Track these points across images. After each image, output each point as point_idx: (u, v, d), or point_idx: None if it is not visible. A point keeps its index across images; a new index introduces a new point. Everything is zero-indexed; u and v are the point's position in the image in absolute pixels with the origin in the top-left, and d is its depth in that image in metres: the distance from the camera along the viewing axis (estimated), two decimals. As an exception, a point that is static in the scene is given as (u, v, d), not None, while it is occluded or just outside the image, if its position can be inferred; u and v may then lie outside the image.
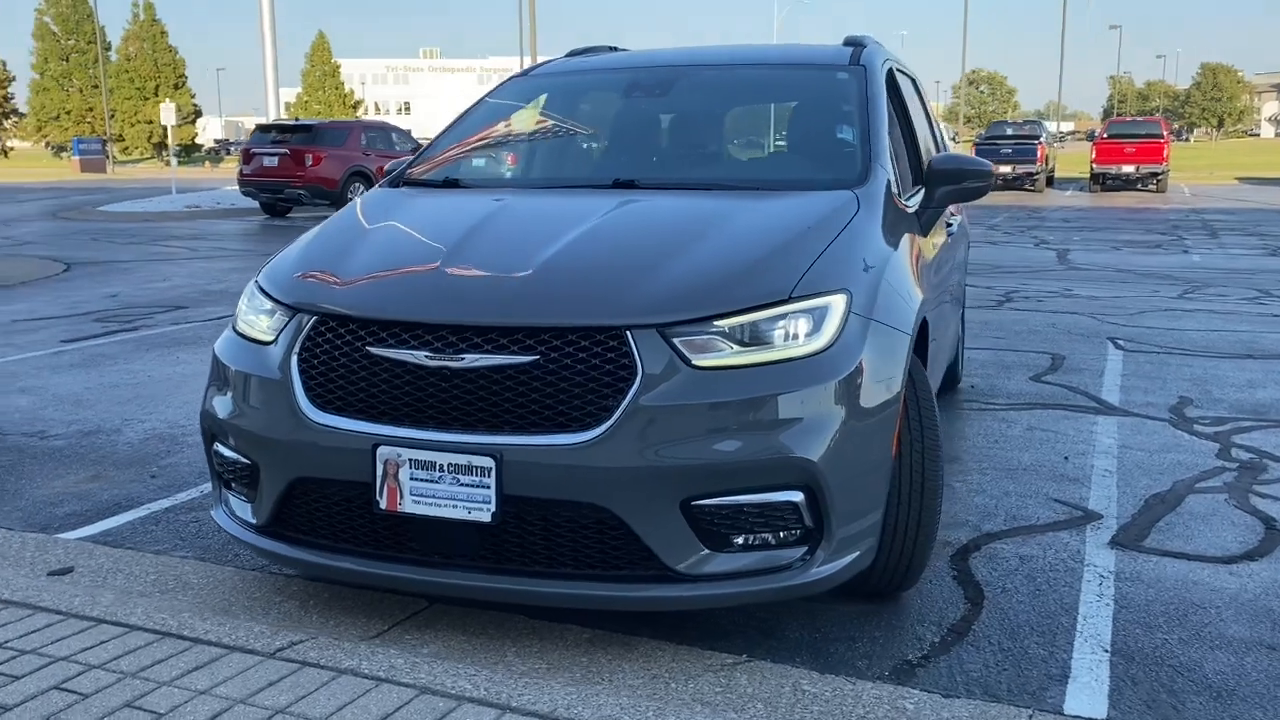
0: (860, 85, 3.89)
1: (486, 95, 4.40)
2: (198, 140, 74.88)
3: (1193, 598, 3.21)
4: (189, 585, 3.21)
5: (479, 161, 4.03)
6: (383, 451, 2.67)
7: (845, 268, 2.91)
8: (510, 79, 4.52)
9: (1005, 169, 28.82)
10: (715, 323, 2.65)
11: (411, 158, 4.04)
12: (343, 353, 2.79)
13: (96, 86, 65.35)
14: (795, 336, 2.69)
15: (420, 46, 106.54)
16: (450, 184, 3.78)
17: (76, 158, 50.44)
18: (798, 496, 2.64)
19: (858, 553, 2.79)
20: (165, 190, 27.91)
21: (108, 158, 52.99)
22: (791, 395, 2.63)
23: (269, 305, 3.01)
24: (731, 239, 2.97)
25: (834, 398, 2.67)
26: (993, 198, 26.92)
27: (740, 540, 2.66)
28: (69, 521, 3.89)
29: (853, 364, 2.72)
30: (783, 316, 2.70)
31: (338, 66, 78.81)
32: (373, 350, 2.74)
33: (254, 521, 2.97)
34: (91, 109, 67.70)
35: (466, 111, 4.34)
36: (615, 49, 4.97)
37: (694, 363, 2.61)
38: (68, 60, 68.58)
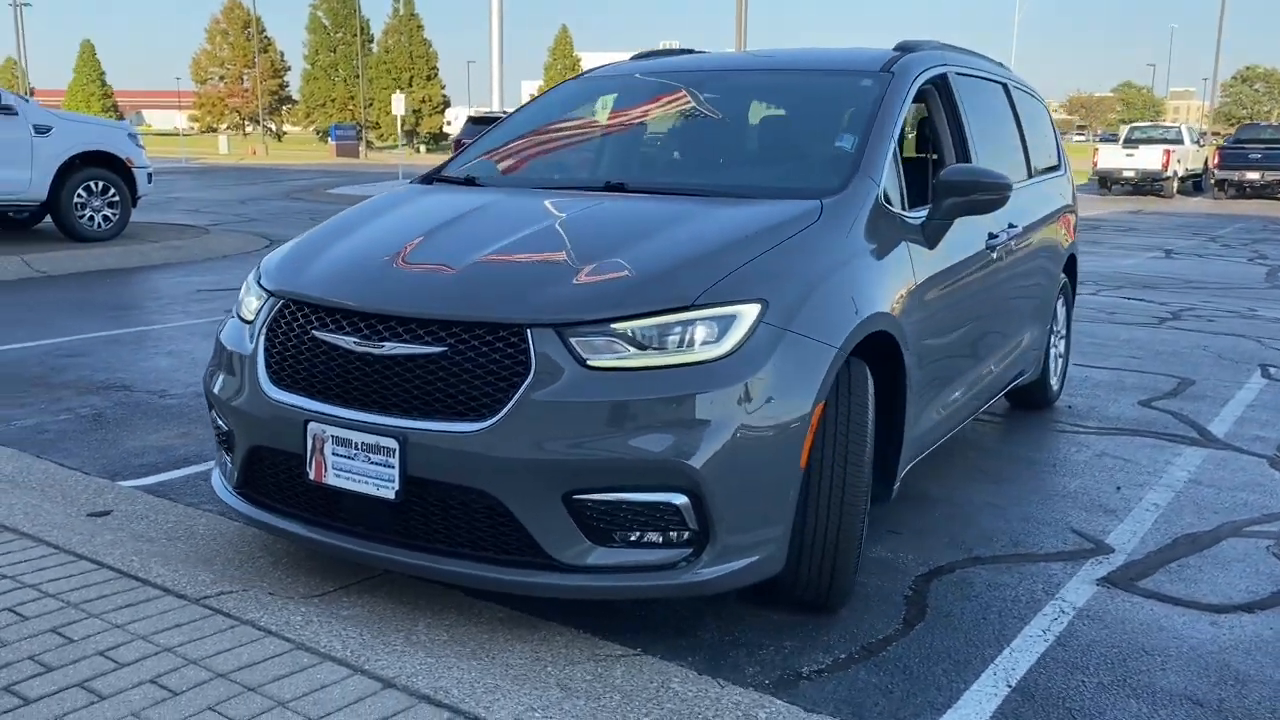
0: (879, 93, 3.84)
1: (539, 95, 4.60)
2: (445, 129, 79.21)
3: (1147, 643, 3.02)
4: (194, 534, 3.57)
5: (503, 161, 4.22)
6: (312, 427, 2.92)
7: (770, 277, 2.92)
8: (567, 81, 4.70)
9: (1253, 175, 26.60)
10: (612, 325, 2.73)
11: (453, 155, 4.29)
12: (295, 334, 3.06)
13: (359, 76, 70.32)
14: (691, 343, 2.74)
15: (661, 40, 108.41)
16: (468, 182, 4.00)
17: (333, 143, 54.57)
18: (680, 499, 2.69)
19: (754, 558, 2.81)
20: (395, 176, 29.80)
21: (361, 143, 56.97)
22: (679, 400, 2.68)
23: (257, 289, 3.32)
24: (664, 244, 3.03)
25: (725, 405, 2.70)
26: (1235, 206, 24.94)
27: (623, 536, 2.74)
28: (138, 470, 4.38)
29: (752, 374, 2.74)
30: (682, 323, 2.75)
31: (578, 60, 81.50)
32: (316, 333, 2.99)
33: (230, 483, 3.30)
34: (353, 97, 72.96)
35: (516, 111, 4.56)
36: (690, 51, 5.06)
37: (589, 363, 2.71)
38: (335, 51, 74.22)
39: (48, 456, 4.51)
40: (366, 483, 2.84)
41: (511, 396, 2.70)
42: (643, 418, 2.68)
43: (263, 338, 3.15)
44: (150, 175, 11.96)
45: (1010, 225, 4.54)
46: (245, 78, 77.57)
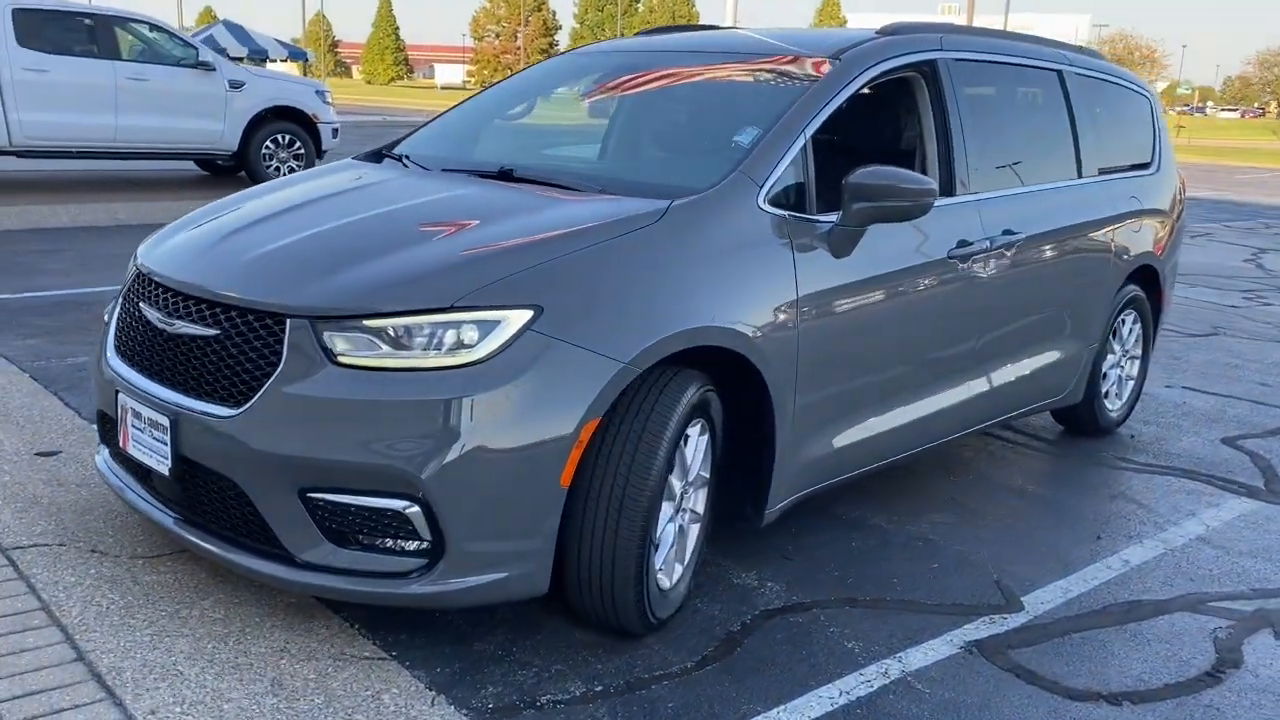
0: (805, 85, 3.51)
1: (518, 73, 4.51)
2: (705, 89, 79.66)
3: (948, 724, 2.66)
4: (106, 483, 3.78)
5: (442, 138, 4.16)
6: (120, 397, 3.02)
7: (557, 282, 2.74)
8: (553, 58, 4.59)
9: None
10: (365, 322, 2.65)
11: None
12: (130, 304, 3.16)
13: (623, 35, 71.79)
14: (440, 346, 2.62)
15: (941, 5, 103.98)
16: (401, 159, 3.97)
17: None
18: (410, 507, 2.60)
19: (501, 575, 2.68)
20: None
21: (616, 102, 58.32)
22: (416, 405, 2.57)
23: (133, 260, 3.45)
24: (467, 239, 2.91)
25: (467, 415, 2.57)
26: None
27: (358, 539, 2.68)
28: (125, 416, 4.68)
29: (504, 384, 2.59)
30: (436, 325, 2.63)
31: (844, 22, 79.63)
32: (140, 305, 3.08)
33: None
34: (616, 56, 74.62)
35: (491, 85, 4.50)
36: (714, 28, 4.81)
37: (339, 359, 2.64)
38: (602, 10, 75.98)
39: (63, 394, 4.89)
40: (150, 456, 2.91)
41: (263, 386, 2.68)
42: (379, 421, 2.59)
43: (118, 308, 3.28)
44: (335, 130, 12.69)
45: (1007, 231, 4.05)
46: (519, 35, 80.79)
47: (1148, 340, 5.37)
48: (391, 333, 2.65)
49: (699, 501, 3.21)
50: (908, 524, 3.94)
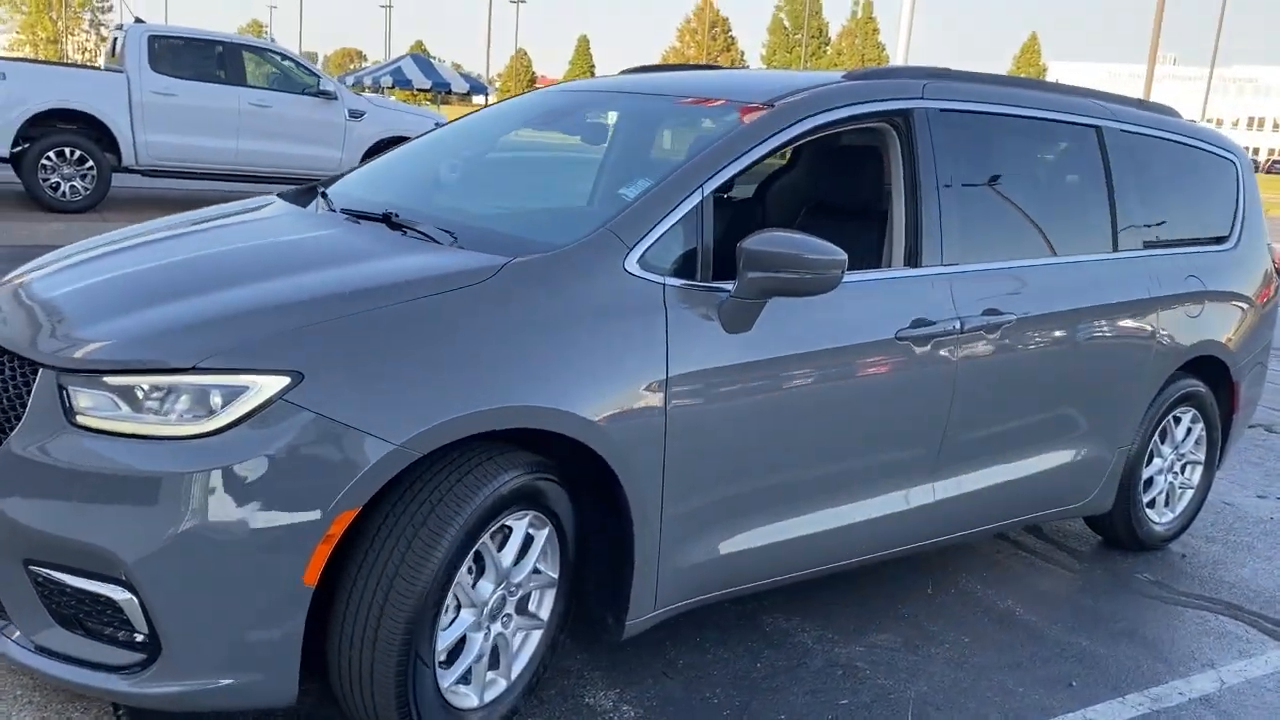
0: (715, 136, 3.06)
1: (486, 108, 4.22)
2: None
3: None
4: None
5: (373, 176, 3.86)
6: (-78, 436, 2.83)
7: (329, 346, 2.38)
8: (524, 94, 4.28)
9: None
10: (105, 378, 2.36)
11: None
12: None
13: (811, 78, 71.14)
14: (170, 411, 2.30)
15: (1145, 50, 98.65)
16: (322, 195, 3.70)
17: (765, 141, 55.78)
18: (122, 595, 2.28)
19: (231, 680, 2.32)
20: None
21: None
22: (132, 478, 2.26)
23: None
24: (257, 290, 2.57)
25: (187, 494, 2.24)
26: None
27: (83, 623, 2.38)
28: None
29: (241, 460, 2.25)
30: (174, 387, 2.31)
31: (1044, 70, 76.80)
32: (-33, 338, 2.90)
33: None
34: (802, 98, 74.07)
35: (447, 123, 4.21)
36: (703, 68, 4.40)
37: (77, 418, 2.36)
38: (791, 53, 75.68)
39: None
40: (-76, 503, 2.70)
41: (4, 439, 2.43)
42: (95, 493, 2.29)
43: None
44: (453, 162, 12.76)
45: (991, 311, 3.45)
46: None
47: (1214, 443, 4.57)
48: (136, 392, 2.35)
49: (543, 605, 2.79)
50: (839, 645, 3.37)
